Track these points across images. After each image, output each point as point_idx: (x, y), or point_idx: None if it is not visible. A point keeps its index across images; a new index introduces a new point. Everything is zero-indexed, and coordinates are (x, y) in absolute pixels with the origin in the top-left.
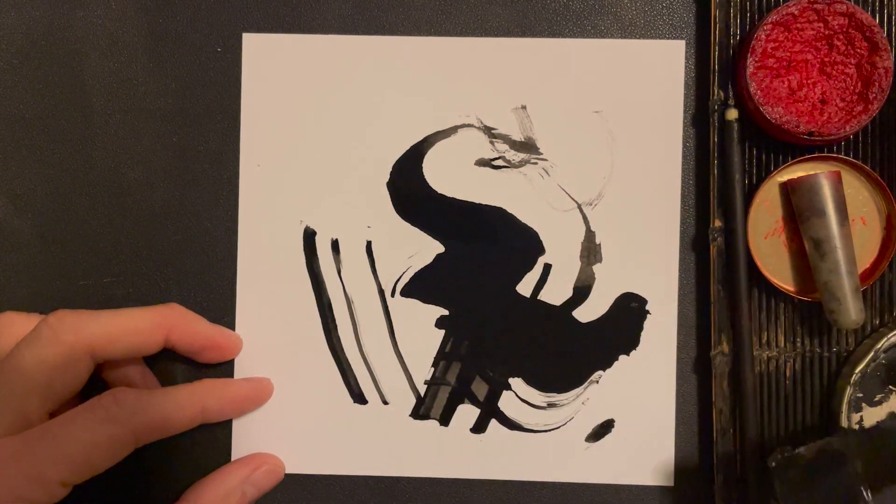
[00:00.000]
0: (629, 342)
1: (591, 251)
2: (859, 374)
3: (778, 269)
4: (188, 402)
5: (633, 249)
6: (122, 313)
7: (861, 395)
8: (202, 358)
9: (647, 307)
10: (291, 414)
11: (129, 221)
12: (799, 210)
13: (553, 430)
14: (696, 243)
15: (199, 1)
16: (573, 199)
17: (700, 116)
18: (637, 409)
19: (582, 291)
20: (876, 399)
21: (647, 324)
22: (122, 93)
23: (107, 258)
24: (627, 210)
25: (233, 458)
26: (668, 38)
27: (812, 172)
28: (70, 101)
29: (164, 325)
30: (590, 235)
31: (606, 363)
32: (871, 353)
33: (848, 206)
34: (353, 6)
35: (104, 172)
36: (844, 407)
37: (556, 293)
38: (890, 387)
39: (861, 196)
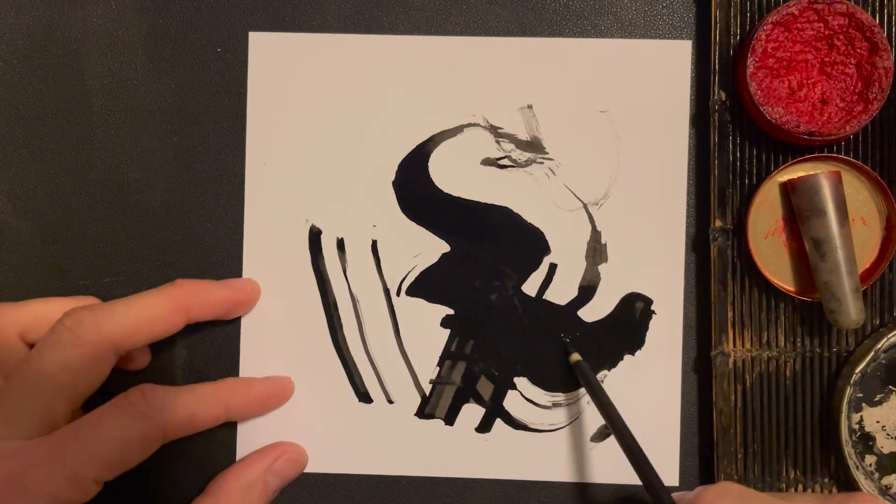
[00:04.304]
0: (634, 342)
1: (596, 251)
2: (859, 374)
3: (778, 269)
4: (213, 400)
5: (638, 249)
6: (137, 303)
7: (861, 395)
8: (227, 318)
9: (653, 307)
10: (296, 412)
11: (129, 221)
12: (799, 210)
13: (558, 429)
14: (696, 243)
15: (199, 1)
16: (579, 198)
17: (700, 116)
18: (642, 409)
19: (587, 291)
20: (876, 399)
21: (652, 324)
22: (122, 93)
23: (107, 258)
24: (633, 210)
25: (238, 457)
26: (670, 38)
27: (812, 172)
28: (70, 101)
29: (181, 307)
30: (595, 235)
31: (611, 363)
32: (871, 353)
33: (848, 206)
34: (352, 6)
35: (104, 172)
36: (844, 407)
37: (561, 293)
38: (890, 387)
39: (861, 196)
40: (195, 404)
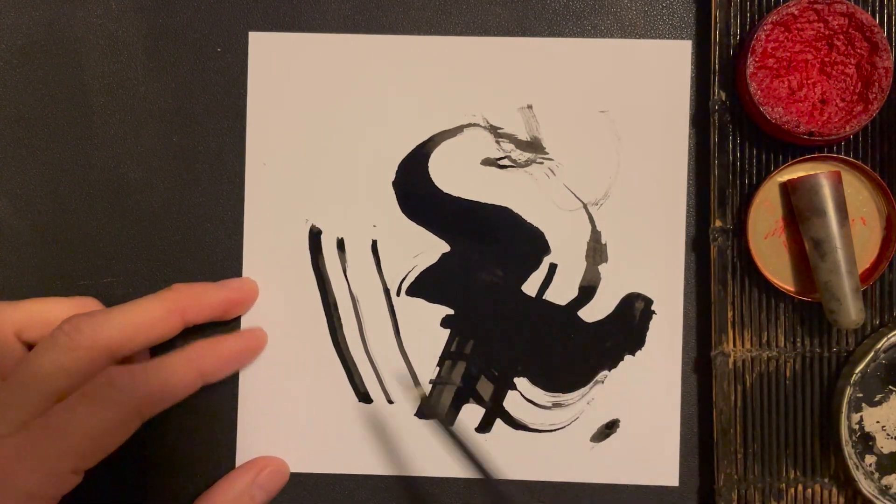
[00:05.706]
0: (634, 342)
1: (596, 251)
2: (859, 374)
3: (778, 269)
4: (184, 368)
5: (638, 249)
6: (134, 308)
7: (861, 395)
8: (226, 319)
9: (653, 307)
10: (296, 413)
11: (129, 221)
12: (799, 210)
13: (558, 430)
14: (696, 243)
15: (199, 1)
16: (579, 198)
17: (700, 116)
18: (642, 409)
19: (587, 291)
20: (876, 399)
21: (652, 324)
22: (122, 93)
23: (107, 258)
24: (633, 210)
25: (238, 458)
26: (669, 38)
27: (812, 172)
28: (70, 101)
29: (177, 310)
30: (595, 235)
31: (612, 363)
32: (871, 353)
33: (848, 206)
34: (352, 6)
35: (104, 172)
36: (844, 407)
37: (561, 293)
38: (890, 387)
39: (861, 196)
40: (167, 376)
